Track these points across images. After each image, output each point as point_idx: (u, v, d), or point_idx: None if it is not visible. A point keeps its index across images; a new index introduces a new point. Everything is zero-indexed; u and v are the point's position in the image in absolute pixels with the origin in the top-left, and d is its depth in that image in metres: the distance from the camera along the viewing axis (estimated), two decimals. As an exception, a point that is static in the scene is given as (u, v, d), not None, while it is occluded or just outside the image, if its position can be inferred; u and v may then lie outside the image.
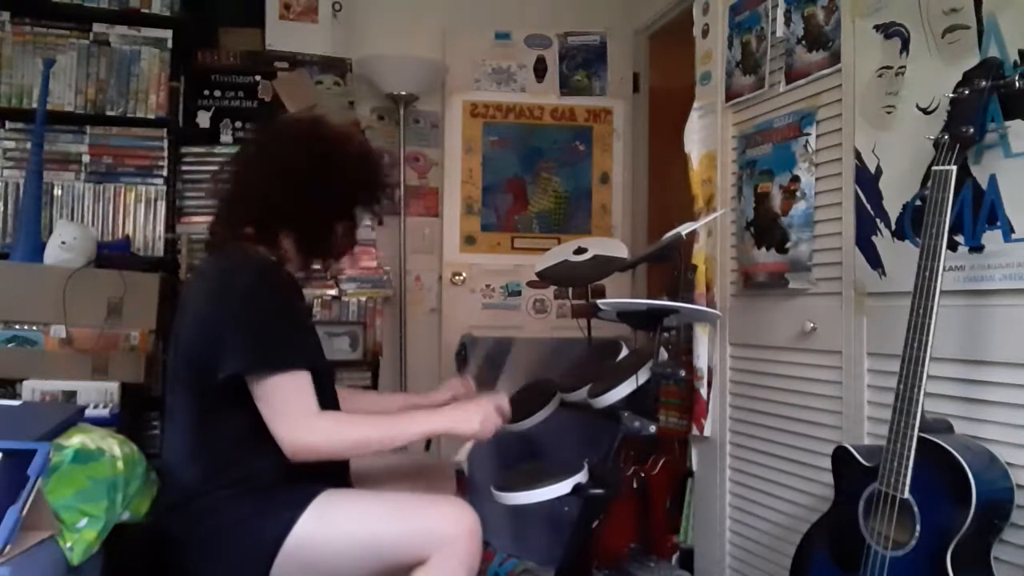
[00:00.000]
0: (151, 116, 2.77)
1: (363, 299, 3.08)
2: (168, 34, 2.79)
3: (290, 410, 1.44)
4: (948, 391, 1.53)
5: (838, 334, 1.85)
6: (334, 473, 1.59)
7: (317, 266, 1.75)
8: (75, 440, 1.59)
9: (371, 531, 1.45)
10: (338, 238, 1.68)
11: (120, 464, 1.64)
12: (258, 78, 3.02)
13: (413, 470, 1.88)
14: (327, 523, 1.44)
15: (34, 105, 2.56)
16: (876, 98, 1.76)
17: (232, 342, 1.45)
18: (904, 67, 1.69)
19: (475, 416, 1.57)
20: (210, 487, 1.46)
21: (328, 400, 1.58)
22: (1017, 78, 1.40)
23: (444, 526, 1.44)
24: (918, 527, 1.36)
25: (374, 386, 3.05)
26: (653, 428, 1.91)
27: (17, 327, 2.28)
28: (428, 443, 3.24)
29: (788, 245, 2.02)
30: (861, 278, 1.79)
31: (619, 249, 2.41)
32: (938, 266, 1.39)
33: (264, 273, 1.53)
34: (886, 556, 1.40)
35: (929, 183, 1.44)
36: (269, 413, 1.43)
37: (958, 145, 1.42)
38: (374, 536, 1.45)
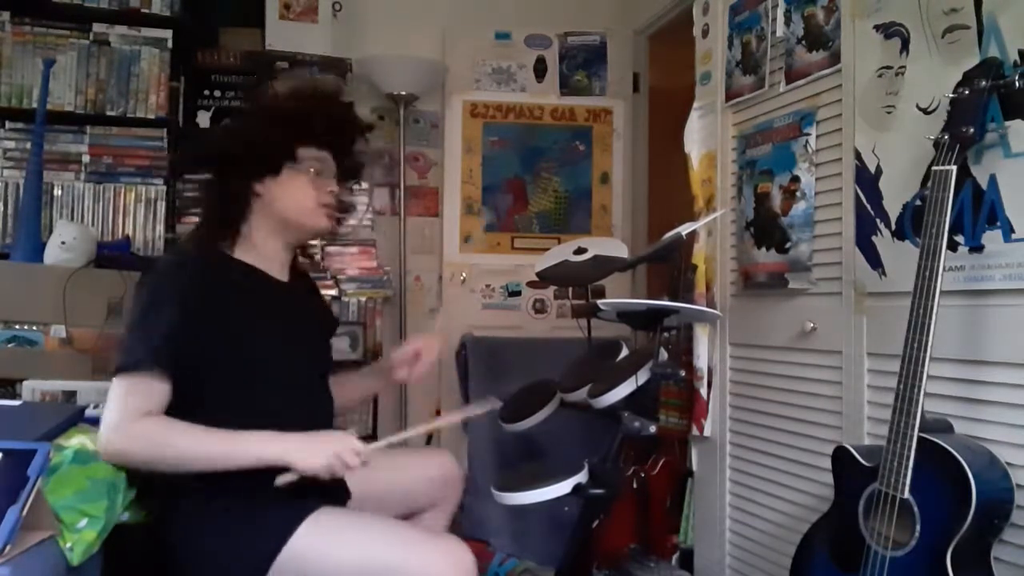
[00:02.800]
0: (151, 116, 2.77)
1: (363, 299, 3.08)
2: (168, 34, 2.80)
3: (112, 411, 1.42)
4: (948, 391, 1.53)
5: (838, 334, 1.85)
6: (329, 484, 1.56)
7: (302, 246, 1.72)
8: (75, 440, 1.59)
9: (363, 561, 1.41)
10: (284, 197, 1.59)
11: (120, 464, 1.63)
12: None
13: (417, 476, 1.83)
14: (319, 545, 1.42)
15: (34, 105, 2.56)
16: (876, 98, 1.76)
17: None
18: (904, 67, 1.69)
19: (321, 453, 1.42)
20: (196, 488, 1.45)
21: (279, 401, 1.55)
22: (1017, 78, 1.40)
23: (438, 567, 1.40)
24: (918, 527, 1.36)
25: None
26: (653, 428, 1.91)
27: (17, 327, 2.28)
28: (429, 438, 3.25)
29: (788, 245, 2.02)
30: (861, 278, 1.79)
31: (619, 249, 2.41)
32: (938, 266, 1.39)
33: (161, 275, 1.52)
34: (886, 556, 1.40)
35: (929, 183, 1.44)
36: (104, 412, 1.44)
37: (958, 145, 1.42)
38: (365, 567, 1.41)
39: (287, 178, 1.59)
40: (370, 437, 3.02)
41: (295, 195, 1.60)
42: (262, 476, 1.45)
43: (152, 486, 1.51)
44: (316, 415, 1.63)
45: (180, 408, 1.45)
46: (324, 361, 1.76)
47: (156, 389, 1.44)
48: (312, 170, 1.61)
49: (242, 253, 1.61)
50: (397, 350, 1.84)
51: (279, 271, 1.66)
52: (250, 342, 1.54)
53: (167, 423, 1.43)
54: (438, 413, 3.29)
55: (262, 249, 1.62)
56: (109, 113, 2.74)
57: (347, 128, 1.69)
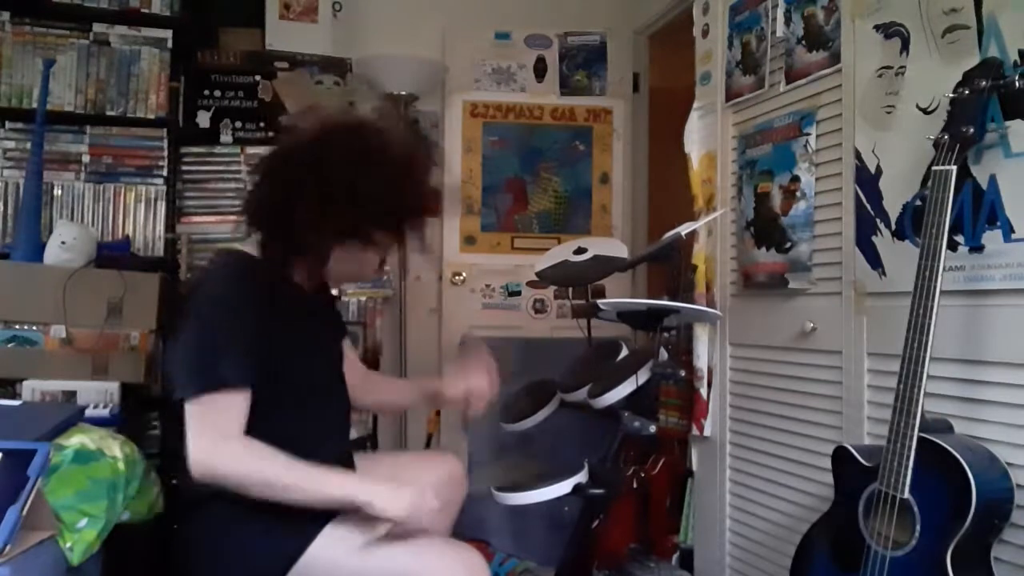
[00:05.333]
0: (151, 116, 2.77)
1: (363, 299, 3.08)
2: (168, 34, 2.80)
3: (204, 431, 1.38)
4: (948, 391, 1.53)
5: (838, 334, 1.85)
6: None
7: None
8: (75, 440, 1.59)
9: (381, 567, 1.42)
10: (337, 262, 1.54)
11: (120, 464, 1.64)
12: (258, 78, 3.02)
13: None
14: (336, 552, 1.42)
15: (34, 105, 2.56)
16: (876, 98, 1.76)
17: (176, 364, 1.44)
18: (904, 67, 1.69)
19: (405, 502, 1.39)
20: (218, 494, 1.43)
21: (317, 413, 1.56)
22: (1017, 78, 1.40)
23: (454, 572, 1.41)
24: (918, 527, 1.36)
25: (374, 386, 3.06)
26: (653, 428, 1.92)
27: (17, 327, 2.28)
28: (429, 436, 3.26)
29: (788, 245, 2.02)
30: (861, 278, 1.79)
31: (619, 249, 2.41)
32: (938, 266, 1.39)
33: (228, 285, 1.48)
34: (886, 556, 1.40)
35: (929, 183, 1.44)
36: (188, 431, 1.39)
37: (958, 145, 1.42)
38: (383, 573, 1.42)
39: (351, 253, 1.55)
40: (370, 437, 3.03)
41: (349, 267, 1.58)
42: None
43: (172, 485, 1.50)
44: (336, 420, 1.68)
45: None
46: (341, 364, 1.77)
47: (239, 405, 1.41)
48: (374, 252, 1.57)
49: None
50: (451, 381, 1.79)
51: (305, 283, 1.66)
52: (296, 357, 1.54)
53: (262, 448, 1.39)
54: (437, 414, 3.29)
55: (298, 270, 1.61)
56: (109, 113, 2.74)
57: (428, 219, 1.63)
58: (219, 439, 1.39)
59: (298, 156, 1.53)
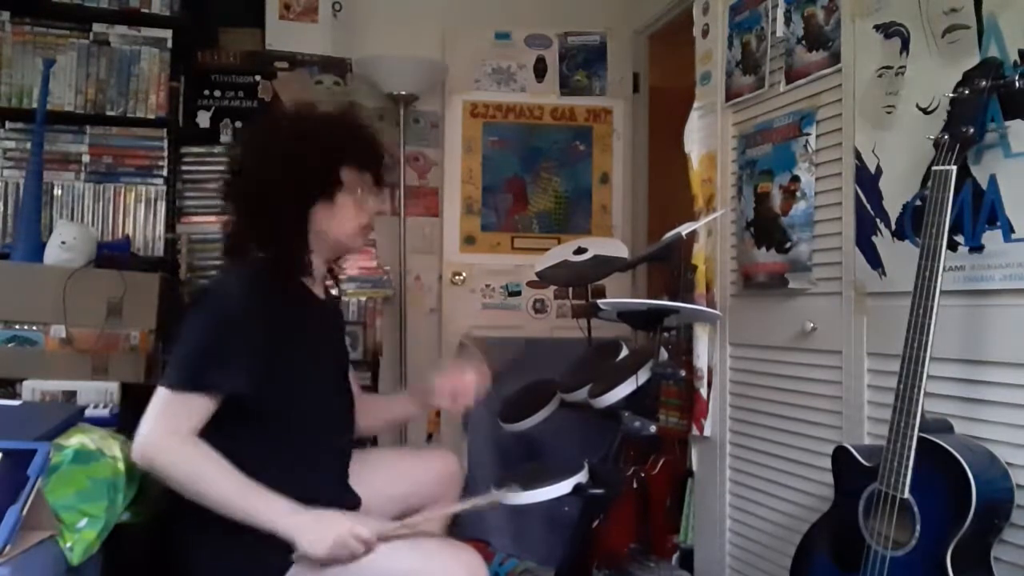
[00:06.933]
0: (151, 116, 2.77)
1: (363, 299, 3.08)
2: (168, 34, 2.80)
3: (159, 421, 1.41)
4: (948, 391, 1.53)
5: (838, 334, 1.85)
6: (338, 495, 1.58)
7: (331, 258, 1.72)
8: (75, 440, 1.59)
9: (381, 570, 1.42)
10: (327, 220, 1.59)
11: (120, 464, 1.63)
12: (258, 78, 3.03)
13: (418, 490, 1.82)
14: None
15: (34, 105, 2.56)
16: (876, 98, 1.76)
17: (173, 353, 1.49)
18: (904, 67, 1.69)
19: (327, 538, 1.38)
20: None
21: (317, 442, 1.57)
22: (1017, 78, 1.40)
23: (455, 573, 1.42)
24: (918, 527, 1.36)
25: (374, 386, 3.06)
26: (653, 428, 1.92)
27: (17, 327, 2.28)
28: (429, 435, 3.26)
29: (788, 245, 2.02)
30: (861, 278, 1.79)
31: (619, 249, 2.41)
32: (938, 266, 1.39)
33: (233, 291, 1.51)
34: (886, 556, 1.40)
35: (929, 183, 1.44)
36: (147, 412, 1.42)
37: (958, 145, 1.42)
38: (384, 570, 1.42)
39: (338, 204, 1.60)
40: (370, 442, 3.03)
41: (343, 221, 1.61)
42: (282, 489, 1.44)
43: (153, 485, 1.51)
44: (341, 433, 1.70)
45: (216, 422, 1.45)
46: (347, 372, 1.79)
47: (206, 410, 1.44)
48: (359, 190, 1.62)
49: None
50: (439, 377, 1.80)
51: (319, 288, 1.70)
52: (300, 368, 1.55)
53: (214, 458, 1.41)
54: (437, 415, 3.29)
55: (315, 265, 1.64)
56: (109, 113, 2.74)
57: (380, 145, 1.70)
58: (173, 433, 1.41)
59: (250, 148, 1.63)
